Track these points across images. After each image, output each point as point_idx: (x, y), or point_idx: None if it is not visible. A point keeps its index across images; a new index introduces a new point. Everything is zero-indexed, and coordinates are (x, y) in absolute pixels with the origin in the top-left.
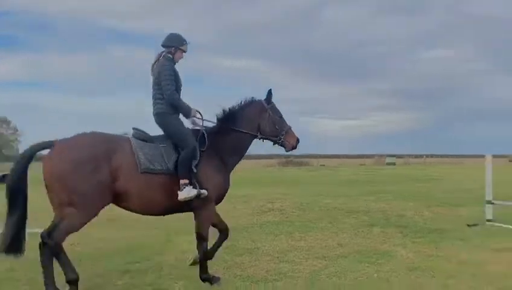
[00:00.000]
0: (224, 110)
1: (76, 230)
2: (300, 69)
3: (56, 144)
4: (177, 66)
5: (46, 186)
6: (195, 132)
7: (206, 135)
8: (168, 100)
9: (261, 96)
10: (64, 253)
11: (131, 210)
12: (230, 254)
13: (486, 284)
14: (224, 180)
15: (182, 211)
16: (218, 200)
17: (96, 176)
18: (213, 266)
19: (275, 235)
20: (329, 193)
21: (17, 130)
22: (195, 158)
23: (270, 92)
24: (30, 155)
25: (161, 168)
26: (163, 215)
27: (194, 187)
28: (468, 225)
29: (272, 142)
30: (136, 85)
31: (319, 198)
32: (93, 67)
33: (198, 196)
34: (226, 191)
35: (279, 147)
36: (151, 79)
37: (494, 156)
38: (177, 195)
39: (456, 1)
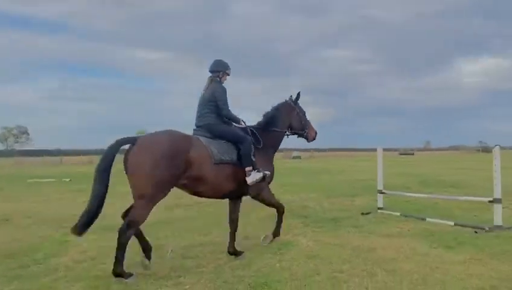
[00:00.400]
0: (264, 115)
1: (146, 217)
2: (207, 62)
3: (139, 140)
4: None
5: (129, 175)
6: (244, 129)
7: (257, 133)
8: (226, 116)
9: (172, 87)
10: (126, 244)
11: (202, 195)
12: (132, 252)
13: (377, 268)
14: (273, 169)
15: (241, 195)
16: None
17: (173, 169)
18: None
19: (181, 231)
20: None
21: None
22: (252, 150)
23: (299, 94)
24: (117, 147)
25: (229, 159)
26: (226, 198)
27: (258, 171)
28: (362, 214)
29: (297, 135)
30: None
31: None
32: None
33: (263, 177)
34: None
35: (303, 139)
36: (200, 98)
37: (385, 150)
38: (241, 181)
39: (356, 4)
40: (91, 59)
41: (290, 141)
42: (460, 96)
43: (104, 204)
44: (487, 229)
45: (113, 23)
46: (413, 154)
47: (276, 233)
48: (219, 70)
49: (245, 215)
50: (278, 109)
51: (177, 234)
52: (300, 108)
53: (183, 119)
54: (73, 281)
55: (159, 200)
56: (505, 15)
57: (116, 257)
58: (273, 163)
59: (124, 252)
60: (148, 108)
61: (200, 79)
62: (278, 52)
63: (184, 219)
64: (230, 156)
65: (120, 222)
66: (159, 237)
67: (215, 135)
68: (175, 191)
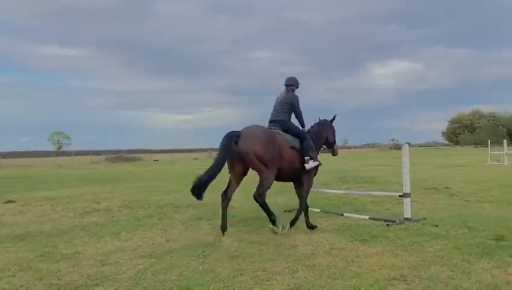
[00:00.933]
0: (310, 130)
1: (271, 185)
2: (132, 61)
3: (243, 133)
4: None
5: (243, 159)
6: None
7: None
8: (300, 119)
9: (88, 86)
10: (266, 203)
11: (280, 174)
12: (46, 262)
13: (298, 264)
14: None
15: (297, 180)
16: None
17: (274, 151)
18: (24, 277)
19: (99, 237)
20: (160, 189)
21: None
22: (313, 145)
23: (335, 117)
24: (231, 136)
25: (297, 146)
26: (293, 180)
27: (315, 161)
28: (285, 211)
29: (328, 148)
30: None
31: (149, 195)
32: None
33: (317, 166)
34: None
35: (329, 151)
36: (276, 100)
37: None
38: (303, 166)
39: (280, 6)
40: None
41: (214, 140)
42: (374, 98)
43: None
44: (398, 222)
45: (23, 17)
46: None
47: (293, 222)
48: (293, 84)
49: (168, 218)
50: (319, 125)
51: (95, 239)
52: (333, 127)
53: (99, 119)
54: None
55: (276, 171)
56: (414, 22)
57: (268, 215)
58: None
59: (268, 208)
60: (62, 107)
61: (120, 79)
62: (203, 52)
63: (101, 224)
64: (297, 145)
65: (32, 230)
66: (75, 244)
67: (284, 129)
68: (92, 197)
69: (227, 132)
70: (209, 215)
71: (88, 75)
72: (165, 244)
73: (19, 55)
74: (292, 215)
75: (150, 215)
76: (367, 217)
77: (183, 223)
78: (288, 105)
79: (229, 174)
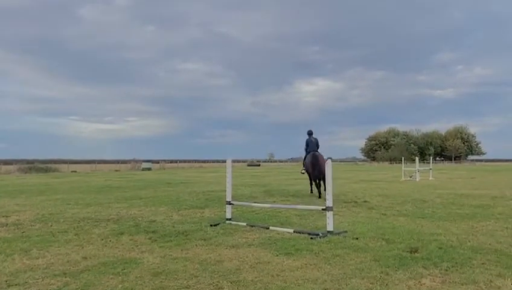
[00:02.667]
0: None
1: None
2: (49, 66)
3: (318, 154)
4: None
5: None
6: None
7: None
8: (318, 148)
9: (3, 90)
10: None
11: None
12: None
13: (223, 280)
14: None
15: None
16: None
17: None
18: None
19: (6, 254)
20: (78, 202)
21: None
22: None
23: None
24: (316, 156)
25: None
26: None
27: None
28: (211, 225)
29: None
30: None
31: (66, 208)
32: None
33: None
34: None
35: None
36: (311, 141)
37: (234, 161)
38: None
39: (209, 21)
40: None
41: (138, 151)
42: (299, 113)
43: None
44: (321, 235)
45: None
46: (259, 165)
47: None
48: (312, 132)
49: (85, 233)
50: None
51: (1, 257)
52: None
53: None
54: None
55: None
56: (336, 43)
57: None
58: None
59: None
60: None
61: (37, 83)
62: (128, 60)
63: (9, 241)
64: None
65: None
66: None
67: (319, 157)
68: (0, 210)
69: (312, 153)
70: (131, 230)
71: (2, 78)
72: (82, 262)
73: None
74: (218, 229)
75: (66, 230)
76: (292, 230)
77: (103, 239)
78: (316, 142)
79: (309, 175)
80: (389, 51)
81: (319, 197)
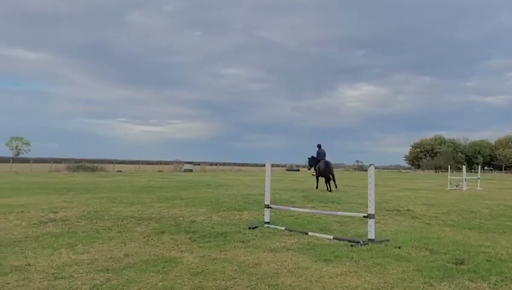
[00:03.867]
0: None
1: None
2: (100, 69)
3: (325, 160)
4: None
5: (330, 171)
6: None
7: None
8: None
9: (54, 92)
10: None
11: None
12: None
13: (261, 283)
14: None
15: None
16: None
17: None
18: None
19: (53, 249)
20: (122, 200)
21: None
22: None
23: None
24: (327, 162)
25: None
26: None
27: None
28: (250, 228)
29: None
30: None
31: (110, 206)
32: None
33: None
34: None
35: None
36: (321, 152)
37: (273, 165)
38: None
39: (252, 26)
40: None
41: (180, 153)
42: (341, 119)
43: None
44: (362, 243)
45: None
46: (298, 170)
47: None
48: (321, 145)
49: (128, 230)
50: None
51: (49, 251)
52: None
53: (62, 127)
54: None
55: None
56: (383, 48)
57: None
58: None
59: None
60: (23, 112)
61: (87, 86)
62: (173, 64)
63: (57, 235)
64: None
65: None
66: (27, 255)
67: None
68: (49, 206)
69: (324, 160)
70: (172, 230)
71: (54, 80)
72: (124, 259)
73: None
74: (256, 231)
75: (110, 227)
76: (331, 237)
77: (144, 237)
78: (324, 152)
79: (319, 177)
80: (437, 56)
81: (330, 190)
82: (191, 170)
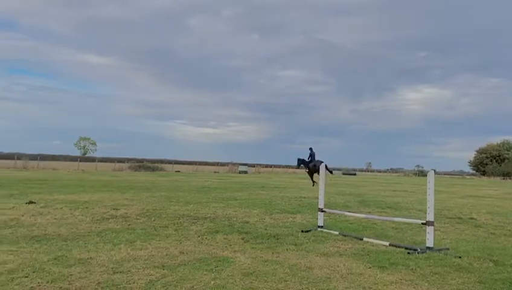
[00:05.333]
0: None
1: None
2: (162, 73)
3: (320, 160)
4: None
5: (316, 171)
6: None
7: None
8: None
9: (120, 95)
10: None
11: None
12: (59, 265)
13: (313, 287)
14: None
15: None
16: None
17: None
18: (36, 279)
19: (113, 244)
20: (179, 200)
21: None
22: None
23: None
24: (310, 160)
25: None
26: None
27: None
28: (302, 231)
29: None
30: None
31: (168, 204)
32: None
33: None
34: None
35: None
36: (313, 154)
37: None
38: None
39: (311, 28)
40: (34, 59)
41: (236, 154)
42: (401, 122)
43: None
44: (419, 250)
45: (59, 25)
46: (355, 174)
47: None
48: (312, 149)
49: (184, 229)
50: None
51: (110, 246)
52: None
53: (126, 128)
54: None
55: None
56: (445, 49)
57: None
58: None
59: None
60: (91, 114)
61: (150, 89)
62: (231, 68)
63: (117, 231)
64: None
65: (50, 232)
66: (89, 249)
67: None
68: (111, 203)
69: (318, 161)
70: (226, 230)
71: (119, 84)
72: (179, 256)
73: (54, 61)
74: (309, 235)
75: (167, 225)
76: (387, 243)
77: (199, 236)
78: (314, 154)
79: (310, 175)
80: (505, 58)
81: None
82: (246, 172)
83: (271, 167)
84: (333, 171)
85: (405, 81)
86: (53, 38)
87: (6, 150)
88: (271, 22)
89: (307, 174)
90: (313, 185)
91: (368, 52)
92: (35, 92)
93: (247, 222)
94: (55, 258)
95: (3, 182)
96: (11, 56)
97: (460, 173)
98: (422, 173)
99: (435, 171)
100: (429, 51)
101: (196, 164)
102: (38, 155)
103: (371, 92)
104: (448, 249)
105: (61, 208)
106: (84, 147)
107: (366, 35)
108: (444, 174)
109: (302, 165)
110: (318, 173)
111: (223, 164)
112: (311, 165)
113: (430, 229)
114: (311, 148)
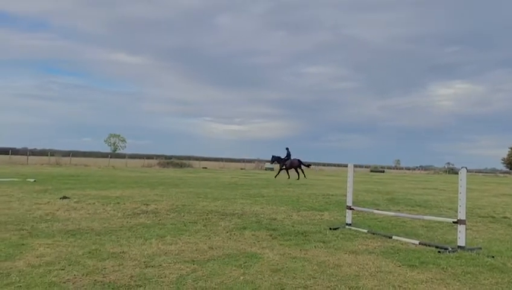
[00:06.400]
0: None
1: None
2: (190, 71)
3: (297, 158)
4: None
5: (296, 166)
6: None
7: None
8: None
9: (149, 93)
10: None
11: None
12: (93, 258)
13: (341, 285)
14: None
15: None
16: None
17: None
18: (72, 271)
19: (144, 238)
20: (207, 196)
21: None
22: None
23: (287, 148)
24: (287, 158)
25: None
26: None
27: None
28: (330, 229)
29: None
30: None
31: (196, 200)
32: None
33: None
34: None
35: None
36: (289, 152)
37: (356, 166)
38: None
39: (339, 24)
40: (68, 59)
41: (261, 151)
42: (431, 119)
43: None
44: (450, 249)
45: (91, 24)
46: (383, 171)
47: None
48: (288, 148)
49: (212, 225)
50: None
51: (141, 241)
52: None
53: (155, 125)
54: (26, 287)
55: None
56: (478, 43)
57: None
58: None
59: None
60: (121, 111)
61: (177, 87)
62: (258, 65)
63: (148, 226)
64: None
65: (83, 227)
66: (122, 244)
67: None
68: (142, 199)
69: (294, 158)
70: (254, 226)
71: (148, 82)
72: (208, 251)
73: (85, 60)
74: (337, 233)
75: (196, 221)
76: (417, 241)
77: (227, 232)
78: (291, 154)
79: (289, 170)
80: None
81: (305, 177)
82: (272, 169)
83: None
84: (359, 169)
85: (435, 76)
86: (84, 38)
87: (40, 147)
88: (298, 18)
89: (279, 169)
90: (288, 178)
91: (396, 48)
92: (67, 90)
93: (275, 219)
94: (89, 252)
95: (38, 178)
96: (45, 56)
97: (493, 171)
98: (453, 171)
99: (466, 168)
100: (461, 46)
101: (222, 161)
102: (70, 152)
103: (400, 88)
104: (480, 248)
105: (93, 203)
106: (114, 143)
107: (395, 30)
108: (476, 172)
109: (275, 161)
110: (296, 170)
111: (248, 161)
112: (287, 163)
113: (461, 228)
114: (287, 148)
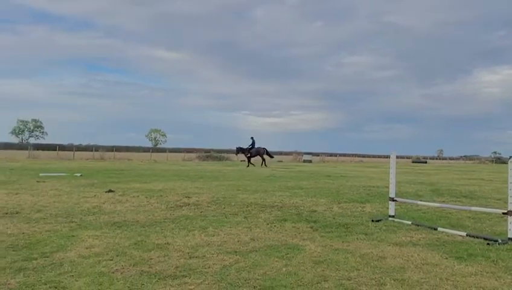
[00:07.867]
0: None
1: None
2: (228, 65)
3: (263, 147)
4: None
5: (265, 154)
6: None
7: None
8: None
9: (188, 88)
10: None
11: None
12: (139, 249)
13: (386, 277)
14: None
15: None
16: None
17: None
18: (119, 262)
19: (188, 230)
20: (246, 188)
21: None
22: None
23: (251, 138)
24: (252, 146)
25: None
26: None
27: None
28: (373, 221)
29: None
30: None
31: (236, 193)
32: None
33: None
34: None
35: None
36: (254, 142)
37: (398, 157)
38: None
39: (378, 11)
40: (110, 56)
41: (300, 143)
42: (476, 106)
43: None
44: (500, 241)
45: (132, 22)
46: (426, 162)
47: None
48: (253, 137)
49: (253, 216)
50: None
51: (185, 232)
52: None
53: (194, 119)
54: (78, 277)
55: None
56: None
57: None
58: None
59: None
60: (162, 106)
61: (216, 81)
62: (295, 56)
63: (191, 218)
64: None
65: (129, 219)
66: (166, 235)
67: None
68: (183, 192)
69: (259, 147)
70: (294, 218)
71: (187, 77)
72: (250, 243)
73: (128, 57)
74: (380, 225)
75: (236, 213)
76: (464, 233)
77: (268, 223)
78: (255, 142)
79: (253, 157)
80: None
81: (266, 166)
82: (310, 161)
83: (336, 156)
84: (400, 160)
85: (481, 62)
86: (126, 35)
87: (84, 143)
88: (336, 7)
89: (246, 158)
90: (248, 166)
91: (439, 34)
92: (110, 87)
93: (315, 211)
94: (135, 243)
95: (84, 172)
96: (89, 54)
97: None
98: (500, 160)
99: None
100: (509, 29)
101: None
102: (113, 147)
103: (443, 75)
104: None
105: (137, 196)
106: (155, 138)
107: (437, 16)
108: None
109: (240, 152)
110: (262, 157)
111: (287, 153)
112: (253, 151)
113: (511, 219)
114: (252, 137)
